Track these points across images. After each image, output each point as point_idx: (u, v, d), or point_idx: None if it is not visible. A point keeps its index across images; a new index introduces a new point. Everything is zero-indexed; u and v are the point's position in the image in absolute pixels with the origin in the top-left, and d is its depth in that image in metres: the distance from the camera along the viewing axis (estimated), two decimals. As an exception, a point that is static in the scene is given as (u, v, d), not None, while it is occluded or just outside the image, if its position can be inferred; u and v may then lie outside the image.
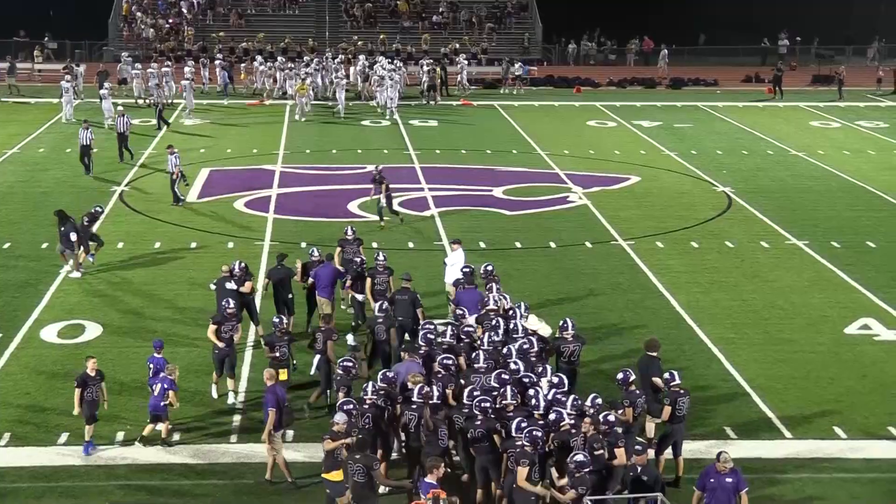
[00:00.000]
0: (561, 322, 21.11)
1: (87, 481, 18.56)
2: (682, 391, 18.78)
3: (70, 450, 19.53)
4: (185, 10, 74.12)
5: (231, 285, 23.86)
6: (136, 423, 20.33)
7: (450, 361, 19.39)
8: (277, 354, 20.84)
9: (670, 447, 18.80)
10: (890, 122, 54.16)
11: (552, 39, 75.97)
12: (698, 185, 40.28)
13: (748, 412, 21.52)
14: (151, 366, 20.54)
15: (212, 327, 21.66)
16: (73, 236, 28.53)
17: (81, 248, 28.80)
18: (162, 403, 19.61)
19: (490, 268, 24.11)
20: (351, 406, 17.66)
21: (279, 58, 61.42)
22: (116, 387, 21.88)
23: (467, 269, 24.20)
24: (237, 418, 20.89)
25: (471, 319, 21.94)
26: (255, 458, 19.21)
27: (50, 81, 61.22)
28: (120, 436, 19.96)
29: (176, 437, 19.92)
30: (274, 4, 75.58)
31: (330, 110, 53.37)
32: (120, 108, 44.67)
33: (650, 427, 19.57)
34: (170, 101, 53.83)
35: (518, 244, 32.26)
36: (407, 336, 22.51)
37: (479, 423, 17.52)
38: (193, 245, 31.62)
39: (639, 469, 16.79)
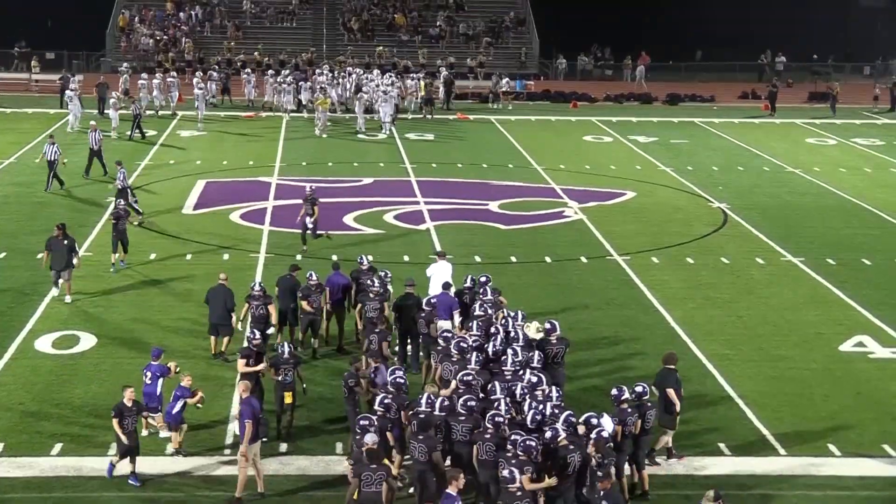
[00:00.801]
0: (548, 325, 21.49)
1: (81, 492, 18.50)
2: (650, 404, 18.80)
3: (63, 461, 19.48)
4: (182, 22, 74.17)
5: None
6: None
7: (470, 377, 19.30)
8: (281, 378, 20.42)
9: (629, 462, 18.71)
10: (886, 140, 54.28)
11: (549, 54, 76.13)
12: (694, 200, 40.33)
13: (742, 429, 21.51)
14: (149, 374, 20.41)
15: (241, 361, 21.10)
16: (76, 260, 27.73)
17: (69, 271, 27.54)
18: (174, 411, 19.60)
19: (486, 281, 24.17)
20: (367, 422, 17.59)
21: (284, 71, 61.27)
22: (110, 398, 21.82)
23: (446, 283, 24.44)
24: (229, 430, 20.83)
25: (442, 324, 22.83)
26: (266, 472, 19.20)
27: (47, 92, 61.27)
28: (113, 447, 19.89)
29: (169, 449, 19.86)
30: (271, 17, 75.68)
31: (347, 126, 53.16)
32: (92, 122, 43.36)
33: (665, 440, 19.72)
34: (171, 112, 54.25)
35: (513, 258, 32.26)
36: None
37: (488, 437, 17.44)
38: (189, 256, 31.61)
39: (601, 494, 16.41)
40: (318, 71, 60.11)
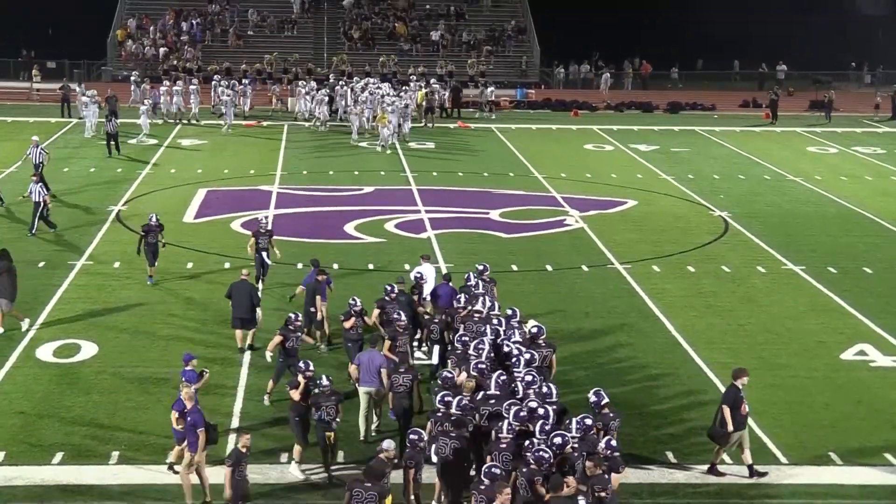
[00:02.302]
0: (535, 329, 21.61)
1: (81, 502, 18.47)
2: (611, 413, 18.65)
3: (64, 470, 19.46)
4: (184, 32, 74.28)
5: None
6: (130, 444, 20.28)
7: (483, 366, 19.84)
8: (322, 416, 19.18)
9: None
10: (887, 148, 54.30)
11: (550, 63, 76.21)
12: (695, 209, 40.34)
13: (743, 437, 21.49)
14: (184, 380, 20.05)
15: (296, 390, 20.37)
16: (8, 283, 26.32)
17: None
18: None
19: (483, 270, 25.42)
20: (416, 437, 17.53)
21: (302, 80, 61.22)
22: (110, 407, 21.86)
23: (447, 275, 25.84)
24: (232, 438, 20.80)
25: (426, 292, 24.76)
26: (257, 479, 19.16)
27: (48, 101, 61.34)
28: (114, 456, 19.89)
29: (171, 456, 19.83)
30: (272, 26, 75.75)
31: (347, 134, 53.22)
32: (35, 138, 41.73)
33: (718, 455, 19.67)
34: (178, 120, 55.13)
35: (514, 267, 32.26)
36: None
37: (504, 446, 17.42)
38: (189, 265, 31.61)
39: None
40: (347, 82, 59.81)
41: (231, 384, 23.09)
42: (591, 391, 19.04)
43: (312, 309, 25.09)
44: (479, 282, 24.80)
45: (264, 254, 28.86)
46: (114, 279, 30.18)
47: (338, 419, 19.33)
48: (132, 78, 60.30)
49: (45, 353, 24.81)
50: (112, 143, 46.96)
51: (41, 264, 31.23)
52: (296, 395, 19.57)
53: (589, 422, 17.87)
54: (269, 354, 22.65)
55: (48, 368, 23.98)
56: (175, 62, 70.09)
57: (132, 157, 46.89)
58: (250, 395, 22.51)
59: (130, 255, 32.14)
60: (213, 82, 59.36)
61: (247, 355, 24.58)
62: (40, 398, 22.44)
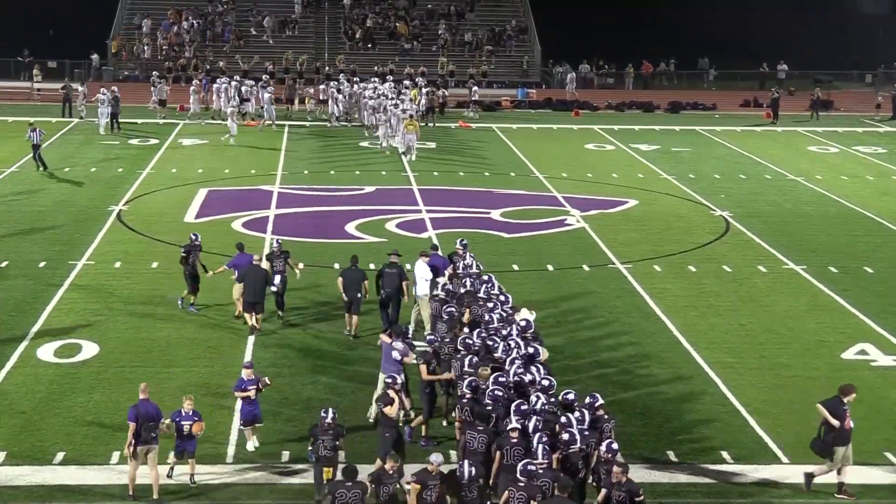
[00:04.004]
0: (524, 323, 21.79)
1: (84, 502, 18.47)
2: (606, 415, 18.65)
3: (66, 469, 19.46)
4: (185, 31, 74.30)
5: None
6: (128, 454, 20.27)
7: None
8: (319, 450, 18.16)
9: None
10: (888, 148, 54.28)
11: (551, 63, 76.19)
12: (696, 209, 40.33)
13: (745, 437, 21.47)
14: (252, 388, 20.21)
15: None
16: None
17: None
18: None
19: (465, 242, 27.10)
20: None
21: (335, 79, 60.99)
22: (112, 407, 21.86)
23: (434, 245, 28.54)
24: (233, 438, 20.82)
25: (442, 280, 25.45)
26: (257, 480, 19.18)
27: (49, 101, 61.35)
28: (115, 456, 19.89)
29: (171, 457, 19.82)
30: (273, 26, 75.71)
31: (348, 135, 53.16)
32: (32, 121, 43.38)
33: (822, 468, 19.37)
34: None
35: (515, 266, 32.26)
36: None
37: (515, 440, 17.54)
38: (191, 265, 31.57)
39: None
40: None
41: (231, 384, 23.00)
42: (587, 393, 19.07)
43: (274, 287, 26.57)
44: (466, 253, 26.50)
45: (278, 277, 26.90)
46: (115, 279, 30.17)
47: (339, 454, 18.31)
48: (152, 79, 60.44)
49: (46, 353, 24.81)
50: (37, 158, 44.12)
51: (42, 264, 31.23)
52: (391, 411, 19.08)
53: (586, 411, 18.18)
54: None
55: (49, 368, 23.97)
56: (194, 60, 70.14)
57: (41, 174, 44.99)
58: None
59: (131, 255, 32.26)
60: (233, 82, 58.48)
61: (247, 356, 24.52)
62: (41, 398, 22.44)
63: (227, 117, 52.65)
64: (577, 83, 71.00)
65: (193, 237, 28.16)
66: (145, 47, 72.74)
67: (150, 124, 54.87)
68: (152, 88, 57.71)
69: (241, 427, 20.52)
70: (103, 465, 19.60)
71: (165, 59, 71.00)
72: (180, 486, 18.98)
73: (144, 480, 18.78)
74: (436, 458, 16.93)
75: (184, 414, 19.13)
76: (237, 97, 55.86)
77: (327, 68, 67.98)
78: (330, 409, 18.37)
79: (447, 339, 21.75)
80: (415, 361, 21.36)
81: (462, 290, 23.99)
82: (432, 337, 21.99)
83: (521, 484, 16.31)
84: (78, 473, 19.34)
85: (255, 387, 20.32)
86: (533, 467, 16.48)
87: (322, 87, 59.69)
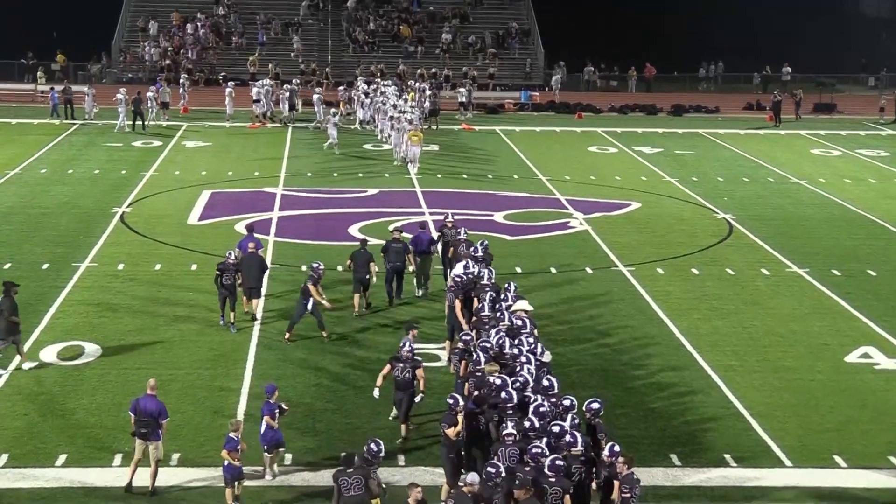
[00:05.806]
0: (520, 322, 21.85)
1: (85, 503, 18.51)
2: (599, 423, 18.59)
3: (68, 472, 19.45)
4: (189, 34, 74.36)
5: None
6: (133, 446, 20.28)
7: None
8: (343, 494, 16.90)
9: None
10: (891, 151, 54.24)
11: (551, 66, 76.11)
12: (699, 211, 40.31)
13: (748, 440, 21.46)
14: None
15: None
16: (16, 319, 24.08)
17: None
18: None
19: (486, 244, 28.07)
20: (493, 470, 16.57)
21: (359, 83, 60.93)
22: (114, 409, 21.85)
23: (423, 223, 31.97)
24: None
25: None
26: (257, 481, 19.17)
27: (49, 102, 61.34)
28: (118, 459, 19.88)
29: (174, 459, 19.82)
30: (276, 28, 75.71)
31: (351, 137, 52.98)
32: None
33: None
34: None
35: (518, 269, 32.25)
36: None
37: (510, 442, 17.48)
38: (194, 267, 31.60)
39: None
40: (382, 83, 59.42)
41: (235, 386, 23.10)
42: (593, 399, 18.90)
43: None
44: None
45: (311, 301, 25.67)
46: (118, 281, 30.18)
47: (376, 494, 17.05)
48: (181, 80, 60.45)
49: (49, 354, 24.81)
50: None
51: (45, 266, 31.24)
52: (452, 432, 18.39)
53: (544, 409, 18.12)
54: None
55: (52, 370, 23.97)
56: (191, 65, 70.22)
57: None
58: (253, 397, 22.45)
59: (135, 256, 32.26)
60: (264, 86, 58.17)
61: (250, 357, 24.57)
62: (44, 400, 22.43)
63: (320, 126, 53.94)
64: (562, 85, 71.08)
65: (230, 256, 26.61)
66: (152, 49, 72.77)
67: (153, 126, 54.84)
68: (153, 89, 57.79)
69: (266, 454, 19.36)
70: (105, 467, 19.59)
71: (178, 62, 71.05)
72: (179, 486, 18.97)
73: (143, 481, 18.82)
74: (472, 478, 16.34)
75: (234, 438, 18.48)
76: (290, 101, 56.85)
77: (356, 72, 67.71)
78: (374, 443, 17.34)
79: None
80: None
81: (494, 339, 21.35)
82: (468, 338, 21.64)
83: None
84: (81, 475, 19.33)
85: (277, 410, 19.57)
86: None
87: (341, 89, 59.59)
